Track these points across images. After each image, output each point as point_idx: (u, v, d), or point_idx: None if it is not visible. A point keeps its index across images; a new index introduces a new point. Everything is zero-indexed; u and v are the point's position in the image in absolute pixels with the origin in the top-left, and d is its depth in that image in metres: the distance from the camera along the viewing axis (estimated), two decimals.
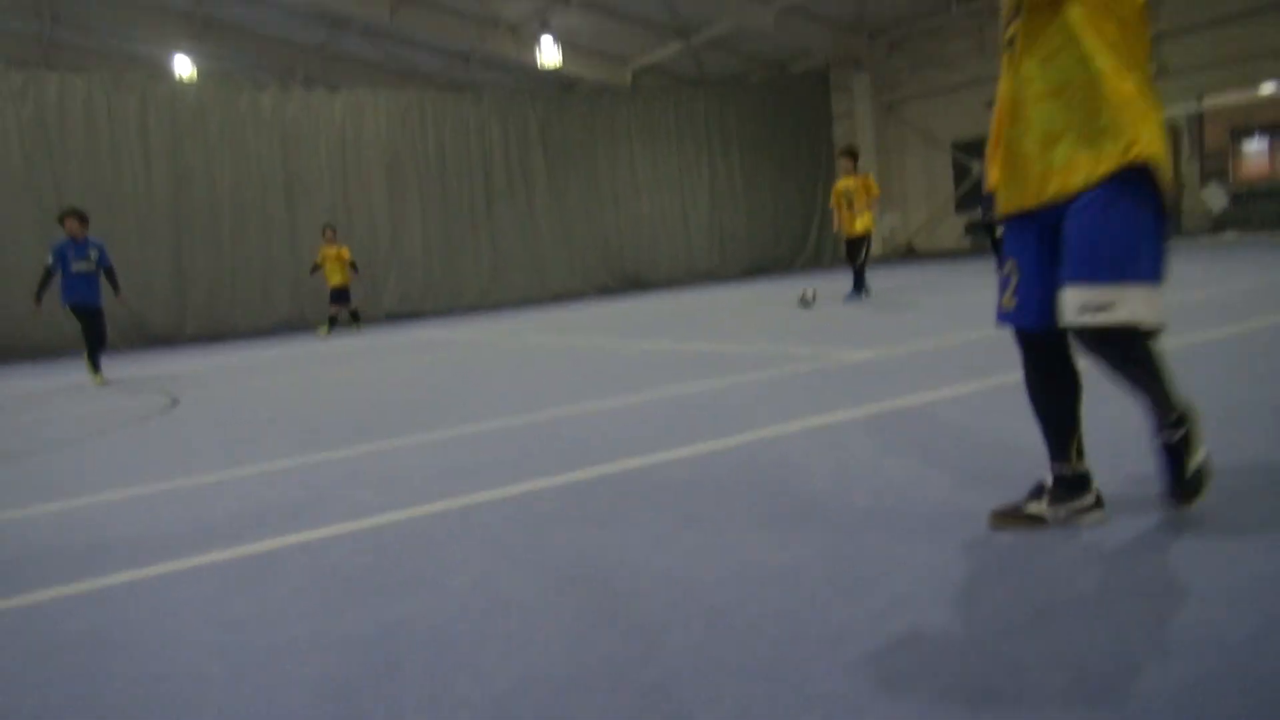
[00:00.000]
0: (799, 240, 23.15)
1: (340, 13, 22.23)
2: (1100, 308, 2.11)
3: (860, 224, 11.16)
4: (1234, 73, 16.60)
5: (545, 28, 21.90)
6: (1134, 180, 2.11)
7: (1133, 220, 2.12)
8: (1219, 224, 16.76)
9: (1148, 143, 2.10)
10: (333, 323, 15.20)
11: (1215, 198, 16.57)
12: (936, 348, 6.20)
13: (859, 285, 11.17)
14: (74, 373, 10.63)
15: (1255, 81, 16.13)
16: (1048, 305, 2.27)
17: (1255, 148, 17.35)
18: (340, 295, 15.11)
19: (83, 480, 4.51)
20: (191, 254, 16.22)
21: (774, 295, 13.15)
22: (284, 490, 3.86)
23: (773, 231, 22.88)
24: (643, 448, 3.92)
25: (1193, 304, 7.23)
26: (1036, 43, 2.23)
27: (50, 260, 9.28)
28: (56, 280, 9.30)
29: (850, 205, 11.13)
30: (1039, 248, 2.30)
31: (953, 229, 22.75)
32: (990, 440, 3.49)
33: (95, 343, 9.41)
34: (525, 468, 3.79)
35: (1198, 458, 2.25)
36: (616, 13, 21.88)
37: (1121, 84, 2.13)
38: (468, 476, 3.75)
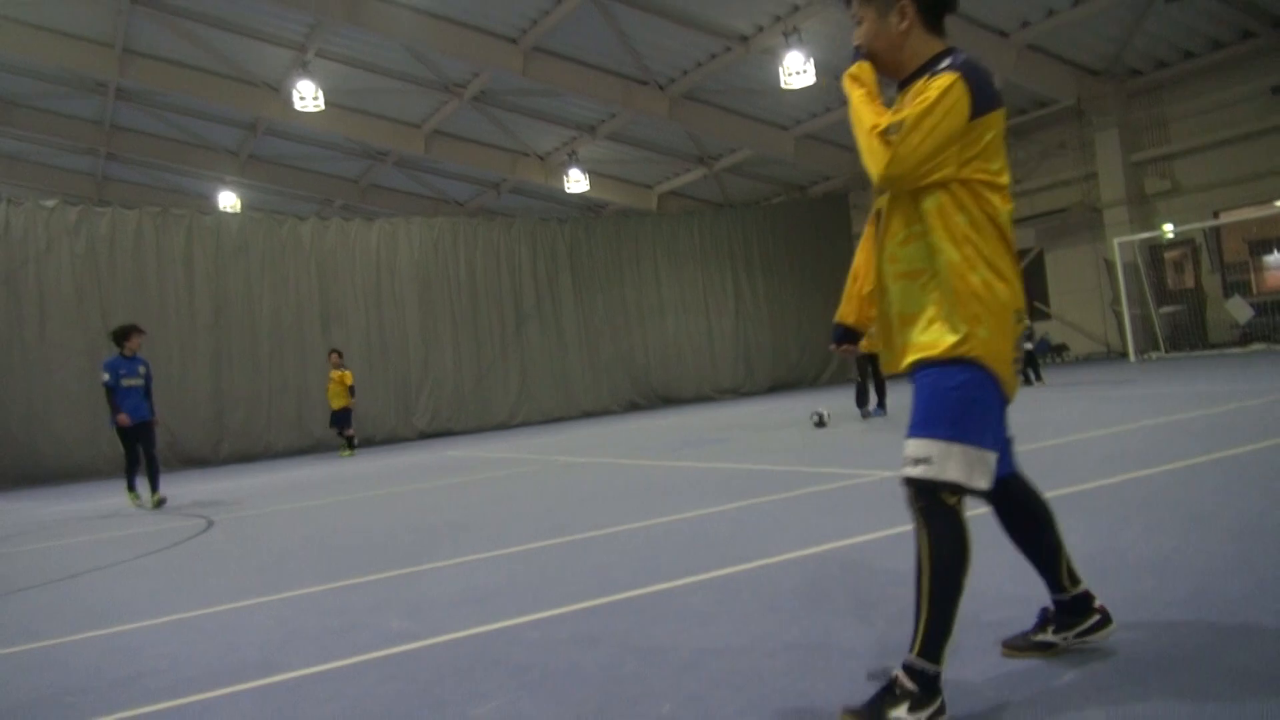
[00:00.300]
0: (823, 356, 23.36)
1: (378, 147, 23.36)
2: (920, 460, 2.19)
3: None
4: (1248, 190, 16.93)
5: (573, 158, 22.84)
6: (970, 364, 2.20)
7: (963, 389, 2.19)
8: (1246, 336, 16.78)
9: (980, 343, 2.19)
10: (351, 442, 15.63)
11: (1240, 310, 16.65)
12: None
13: (882, 400, 11.29)
14: (113, 495, 10.85)
15: (1269, 198, 16.42)
16: None
17: (1275, 260, 17.50)
18: (341, 418, 15.54)
19: (120, 606, 4.62)
20: (230, 377, 16.68)
21: (798, 411, 13.24)
22: (315, 617, 3.94)
23: (797, 348, 23.14)
24: (665, 572, 3.98)
25: (1224, 416, 7.24)
26: (898, 225, 2.31)
27: (107, 377, 9.44)
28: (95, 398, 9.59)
29: None
30: None
31: None
32: (1009, 562, 3.52)
33: (149, 459, 9.54)
34: (550, 592, 3.86)
35: (901, 714, 2.11)
36: (641, 143, 22.82)
37: (966, 278, 2.20)
38: (493, 601, 3.82)
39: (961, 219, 2.20)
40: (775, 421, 12.66)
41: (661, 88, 19.54)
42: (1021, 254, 20.65)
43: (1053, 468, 5.78)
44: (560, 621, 3.41)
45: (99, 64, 18.33)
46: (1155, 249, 18.36)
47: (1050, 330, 20.78)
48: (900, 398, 13.11)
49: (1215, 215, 17.48)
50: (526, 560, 4.69)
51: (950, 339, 2.20)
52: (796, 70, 16.16)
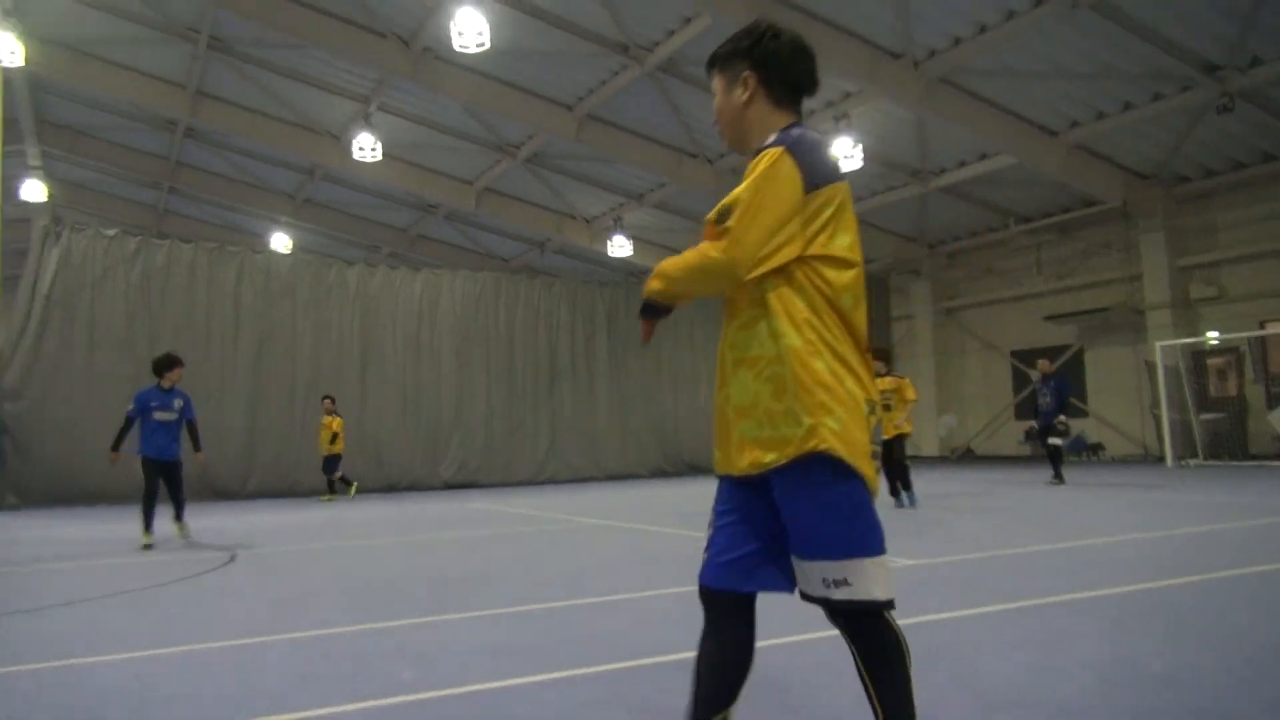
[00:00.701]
0: None
1: (430, 199, 23.93)
2: (839, 582, 2.03)
3: (909, 424, 11.26)
4: None
5: (619, 224, 23.22)
6: (824, 461, 2.01)
7: (839, 498, 2.03)
8: None
9: (829, 434, 1.99)
10: (331, 486, 15.82)
11: None
12: (972, 561, 6.17)
13: (908, 486, 11.08)
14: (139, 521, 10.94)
15: None
16: (730, 566, 2.23)
17: None
18: (330, 463, 15.70)
19: (136, 633, 4.68)
20: (266, 414, 16.93)
21: None
22: (327, 659, 3.97)
23: None
24: (680, 642, 3.96)
25: (1257, 530, 7.11)
26: (737, 309, 2.18)
27: (131, 408, 9.12)
28: (134, 430, 9.15)
29: (888, 407, 11.24)
30: (742, 511, 2.21)
31: (1012, 434, 22.64)
32: (1022, 664, 3.48)
33: (174, 500, 9.17)
34: (564, 654, 3.86)
35: None
36: (687, 213, 23.17)
37: (809, 365, 2.03)
38: (506, 658, 3.84)
39: (801, 303, 2.06)
40: None
41: (710, 162, 19.91)
42: (1061, 350, 20.67)
43: (1074, 570, 5.70)
44: (572, 684, 3.42)
45: (172, 103, 19.12)
46: (1198, 354, 18.17)
47: (1087, 428, 20.52)
48: (944, 484, 12.98)
49: (1261, 325, 17.31)
50: (543, 619, 4.70)
51: (796, 432, 2.01)
52: (845, 154, 16.40)
